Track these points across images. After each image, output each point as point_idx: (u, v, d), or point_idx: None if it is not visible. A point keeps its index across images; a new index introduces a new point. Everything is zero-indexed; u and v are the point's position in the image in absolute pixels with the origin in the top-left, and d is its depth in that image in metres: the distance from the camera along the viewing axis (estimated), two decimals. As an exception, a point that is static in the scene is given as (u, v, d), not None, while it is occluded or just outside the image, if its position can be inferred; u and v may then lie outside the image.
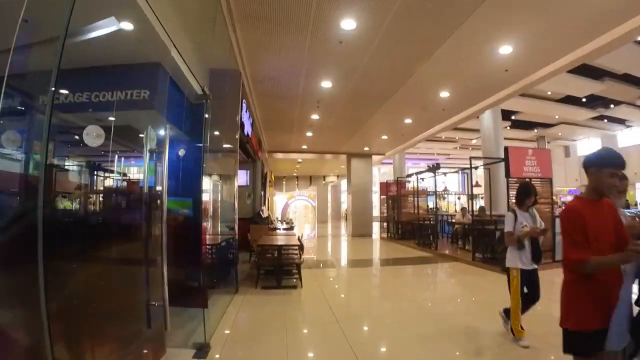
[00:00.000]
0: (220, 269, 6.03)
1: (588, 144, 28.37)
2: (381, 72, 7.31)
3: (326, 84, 7.98)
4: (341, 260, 10.08)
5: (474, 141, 28.93)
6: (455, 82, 8.14)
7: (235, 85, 6.16)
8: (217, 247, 5.95)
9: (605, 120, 24.10)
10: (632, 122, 23.91)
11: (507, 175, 7.49)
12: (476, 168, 9.76)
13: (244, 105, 6.99)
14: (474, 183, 14.49)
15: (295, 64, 6.99)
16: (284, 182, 29.10)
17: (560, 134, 25.50)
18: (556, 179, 19.18)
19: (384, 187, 15.62)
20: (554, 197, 30.24)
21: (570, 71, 14.58)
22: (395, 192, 15.51)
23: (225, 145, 6.29)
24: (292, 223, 14.84)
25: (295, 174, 27.94)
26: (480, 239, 8.78)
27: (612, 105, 20.09)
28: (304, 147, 15.56)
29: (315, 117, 10.67)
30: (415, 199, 13.67)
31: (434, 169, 12.74)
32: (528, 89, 8.48)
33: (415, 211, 14.49)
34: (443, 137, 28.81)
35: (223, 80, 6.13)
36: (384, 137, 13.58)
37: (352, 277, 7.59)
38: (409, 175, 14.50)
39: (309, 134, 12.87)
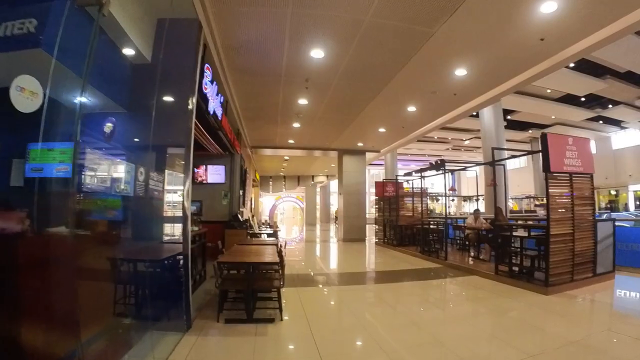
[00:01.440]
0: (163, 295, 4.29)
1: None
2: (387, 35, 5.68)
3: (317, 53, 6.30)
4: (333, 274, 8.32)
5: (466, 142, 27.98)
6: (477, 56, 6.56)
7: (192, 39, 4.46)
8: (159, 265, 4.22)
9: (601, 122, 23.53)
10: (628, 124, 23.38)
11: (547, 169, 5.90)
12: (493, 163, 8.18)
13: (208, 72, 5.27)
14: (489, 182, 13.04)
15: (277, 21, 5.31)
16: (271, 183, 27.33)
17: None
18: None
19: (380, 186, 13.99)
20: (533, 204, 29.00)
21: (573, 68, 14.01)
22: (392, 193, 13.91)
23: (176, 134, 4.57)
24: (277, 227, 13.11)
25: (282, 174, 26.19)
26: (504, 248, 7.19)
27: (610, 106, 19.57)
28: (291, 141, 13.86)
29: (303, 102, 8.99)
30: (419, 199, 12.12)
31: (438, 165, 11.19)
32: (560, 65, 6.93)
33: (415, 214, 12.93)
34: (435, 138, 28.00)
35: (177, 32, 4.44)
36: (382, 129, 11.96)
37: (349, 301, 5.82)
38: (408, 174, 12.90)
39: (296, 124, 11.19)
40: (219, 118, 6.56)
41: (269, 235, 10.13)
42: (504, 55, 6.50)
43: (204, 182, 10.35)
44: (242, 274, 4.79)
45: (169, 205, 5.82)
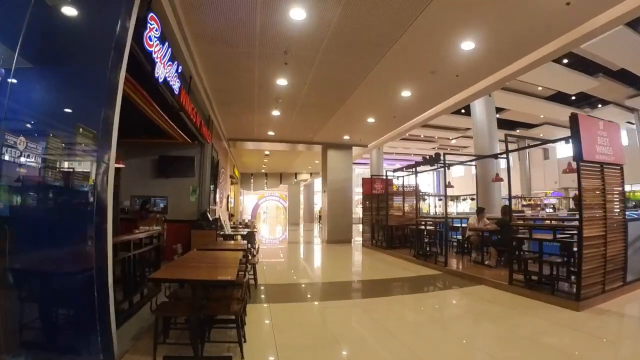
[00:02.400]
0: (63, 326, 3.00)
1: (568, 147, 27.23)
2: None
3: (297, 13, 5.08)
4: (315, 285, 6.99)
5: (453, 141, 27.26)
6: (489, 24, 5.44)
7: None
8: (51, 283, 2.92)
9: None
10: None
11: (580, 157, 4.82)
12: (506, 154, 7.13)
13: (154, 25, 3.99)
14: (494, 177, 12.08)
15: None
16: (252, 180, 25.94)
17: (541, 135, 24.80)
18: (535, 182, 16.90)
19: (368, 183, 12.87)
20: (534, 201, 28.73)
21: (566, 64, 13.40)
22: (381, 190, 12.79)
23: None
24: (254, 227, 11.82)
25: (263, 171, 24.84)
26: (516, 252, 6.11)
27: (599, 105, 19.27)
28: (271, 133, 12.59)
29: (282, 82, 7.75)
30: (411, 197, 11.04)
31: (434, 160, 10.12)
32: (586, 39, 5.88)
33: (406, 213, 11.85)
34: (422, 136, 27.14)
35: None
36: (371, 119, 10.80)
37: (334, 324, 4.46)
38: (398, 170, 11.79)
39: (276, 112, 9.93)
40: (176, 93, 5.27)
41: (243, 237, 8.85)
42: (522, 24, 5.41)
43: (169, 175, 9.02)
44: (187, 297, 3.54)
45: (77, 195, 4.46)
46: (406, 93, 8.46)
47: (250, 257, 5.65)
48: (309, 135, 12.93)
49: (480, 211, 8.89)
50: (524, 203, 27.80)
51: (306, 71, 7.16)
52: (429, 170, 9.94)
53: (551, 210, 25.92)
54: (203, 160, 9.03)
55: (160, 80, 4.56)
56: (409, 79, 7.68)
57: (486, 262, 7.83)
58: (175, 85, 5.27)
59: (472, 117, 15.01)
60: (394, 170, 12.02)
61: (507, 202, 7.42)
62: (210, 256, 4.38)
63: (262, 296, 5.58)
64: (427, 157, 10.33)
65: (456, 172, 36.90)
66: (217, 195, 9.55)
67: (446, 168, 8.89)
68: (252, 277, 6.03)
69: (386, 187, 11.84)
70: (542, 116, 20.39)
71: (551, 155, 29.74)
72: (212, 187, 9.07)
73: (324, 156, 14.57)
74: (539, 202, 29.63)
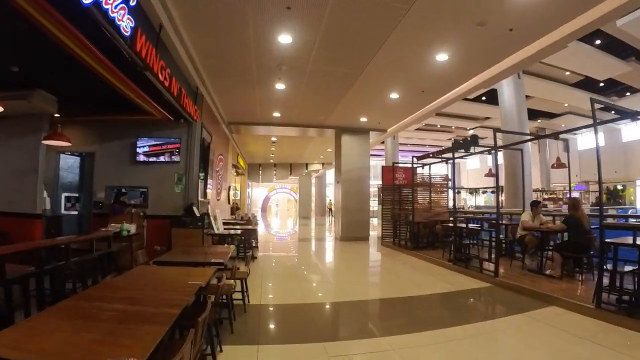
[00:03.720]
0: None
1: (589, 138, 26.36)
2: None
3: None
4: (330, 307, 5.03)
5: (470, 131, 25.22)
6: None
7: None
8: None
9: (613, 112, 21.59)
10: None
11: None
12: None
13: None
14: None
15: None
16: (260, 171, 24.36)
17: (563, 125, 23.16)
18: (555, 175, 15.72)
19: (389, 172, 11.13)
20: (557, 194, 26.58)
21: (598, 46, 11.97)
22: (403, 180, 11.05)
23: None
24: (254, 223, 10.20)
25: (272, 161, 23.22)
26: (602, 261, 4.35)
27: (627, 94, 18.15)
28: (276, 114, 10.91)
29: (285, 41, 6.05)
30: (441, 189, 9.32)
31: (469, 143, 8.39)
32: None
33: (434, 207, 10.12)
34: (438, 126, 25.35)
35: None
36: (394, 95, 9.02)
37: None
38: (424, 157, 10.02)
39: (280, 85, 8.24)
40: (125, 34, 3.63)
41: (237, 237, 7.24)
42: None
43: (149, 160, 7.46)
44: None
45: None
46: (442, 56, 6.67)
47: (237, 269, 4.03)
48: (320, 117, 11.21)
49: (535, 205, 7.10)
50: (545, 197, 26.11)
51: (314, 24, 5.44)
52: (467, 155, 8.16)
53: None
54: (190, 142, 7.42)
55: (87, 2, 2.92)
56: (448, 35, 5.89)
57: (547, 272, 6.06)
58: (126, 24, 3.62)
59: (499, 102, 13.40)
60: (420, 158, 10.25)
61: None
62: (158, 277, 2.76)
63: (251, 326, 3.95)
64: (462, 139, 8.57)
65: (471, 164, 35.06)
66: (210, 185, 7.96)
67: (496, 152, 7.07)
68: (240, 292, 4.42)
69: (412, 177, 10.08)
70: (566, 104, 19.16)
71: (572, 148, 27.92)
72: (202, 175, 7.47)
73: (337, 142, 12.87)
74: (561, 196, 27.69)
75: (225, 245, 4.55)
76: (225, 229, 8.00)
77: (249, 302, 4.69)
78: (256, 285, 5.68)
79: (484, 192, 31.23)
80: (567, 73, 14.89)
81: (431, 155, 9.94)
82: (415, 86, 8.44)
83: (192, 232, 6.42)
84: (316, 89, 8.57)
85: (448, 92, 8.96)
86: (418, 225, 9.51)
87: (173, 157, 7.40)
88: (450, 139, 29.35)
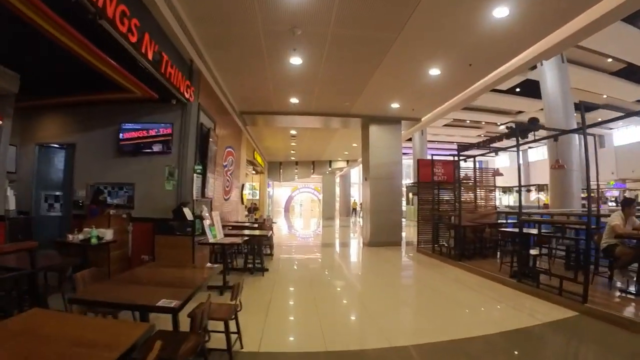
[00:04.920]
0: None
1: (627, 133, 24.90)
2: None
3: None
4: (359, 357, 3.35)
5: (501, 127, 23.77)
6: None
7: None
8: None
9: None
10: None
11: None
12: None
13: None
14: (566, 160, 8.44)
15: None
16: (281, 170, 22.99)
17: (599, 119, 20.94)
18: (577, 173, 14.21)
19: (426, 167, 9.43)
20: (595, 193, 24.15)
21: None
22: (443, 176, 9.35)
23: None
24: (269, 224, 8.74)
25: (293, 158, 21.77)
26: None
27: None
28: (294, 101, 9.42)
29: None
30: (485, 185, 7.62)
31: (530, 127, 6.68)
32: None
33: (479, 208, 8.40)
34: (467, 121, 23.82)
35: None
36: (434, 70, 7.34)
37: None
38: (468, 147, 8.32)
39: (295, 60, 6.74)
40: None
41: (242, 246, 5.78)
42: None
43: (136, 151, 6.13)
44: None
45: None
46: (501, 11, 5.00)
47: (221, 305, 2.54)
48: (345, 104, 9.64)
49: (627, 204, 5.32)
50: (583, 195, 23.88)
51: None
52: (532, 142, 6.43)
53: (613, 204, 21.70)
54: (185, 128, 6.03)
55: None
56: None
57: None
58: None
59: (541, 89, 12.40)
60: (464, 148, 8.52)
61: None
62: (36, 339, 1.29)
63: None
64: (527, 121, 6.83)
65: (500, 162, 32.86)
66: (210, 181, 6.54)
67: (585, 134, 5.33)
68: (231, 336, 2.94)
69: (457, 172, 8.37)
70: (604, 96, 17.48)
71: (607, 144, 26.21)
72: (199, 168, 6.06)
73: (364, 134, 11.28)
74: (599, 195, 25.31)
75: (209, 264, 3.09)
76: (231, 235, 6.57)
77: (241, 347, 3.21)
78: (258, 316, 4.19)
79: (528, 190, 28.73)
80: (609, 60, 13.72)
81: (476, 145, 8.20)
82: (462, 57, 6.74)
83: (180, 241, 5.03)
84: (339, 64, 7.01)
85: (500, 65, 7.21)
86: (464, 229, 7.79)
87: (164, 146, 6.04)
88: (479, 135, 27.37)
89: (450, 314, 4.64)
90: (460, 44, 6.17)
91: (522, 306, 4.82)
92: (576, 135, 13.66)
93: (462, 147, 8.62)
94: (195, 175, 6.00)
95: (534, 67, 15.52)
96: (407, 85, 8.22)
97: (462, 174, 9.00)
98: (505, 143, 8.33)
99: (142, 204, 6.11)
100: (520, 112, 21.29)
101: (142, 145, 6.12)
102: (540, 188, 23.28)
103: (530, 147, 32.81)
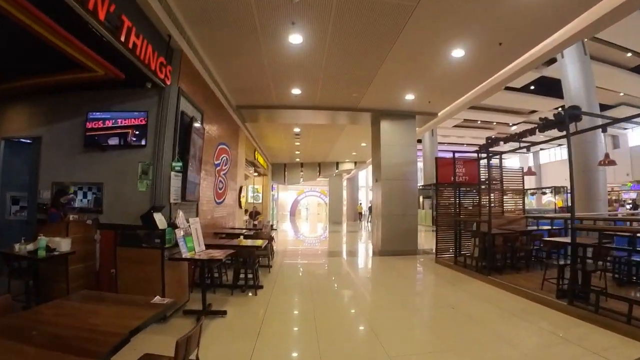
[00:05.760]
0: None
1: None
2: None
3: None
4: None
5: (513, 127, 22.92)
6: None
7: None
8: None
9: None
10: None
11: None
12: None
13: None
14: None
15: None
16: (285, 172, 21.95)
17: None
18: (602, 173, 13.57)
19: (447, 166, 8.34)
20: (610, 196, 22.67)
21: None
22: (464, 176, 8.26)
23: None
24: (267, 232, 7.73)
25: (297, 160, 20.72)
26: None
27: None
28: (296, 92, 8.40)
29: None
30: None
31: (569, 118, 5.62)
32: None
33: (506, 212, 7.34)
34: (478, 122, 22.89)
35: None
36: (458, 51, 6.27)
37: None
38: (492, 141, 7.24)
39: (295, 39, 5.72)
40: None
41: (227, 261, 4.74)
42: None
43: (105, 146, 5.15)
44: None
45: None
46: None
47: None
48: (353, 95, 8.59)
49: None
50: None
51: None
52: (580, 133, 5.32)
53: (630, 207, 20.50)
54: (161, 117, 5.03)
55: None
56: None
57: None
58: None
59: (563, 85, 11.87)
60: (490, 144, 7.42)
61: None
62: None
63: None
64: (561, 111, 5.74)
65: (510, 163, 31.53)
66: (193, 181, 5.50)
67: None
68: None
69: (488, 171, 7.26)
70: (621, 94, 17.09)
71: (622, 144, 25.46)
72: (178, 165, 5.04)
73: (375, 131, 10.23)
74: (616, 198, 24.08)
75: (157, 299, 2.10)
76: (219, 245, 5.54)
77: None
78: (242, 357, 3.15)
79: (543, 193, 27.37)
80: (628, 55, 13.00)
81: (503, 141, 7.11)
82: (491, 34, 5.67)
83: (147, 255, 4.01)
84: (347, 46, 5.98)
85: (535, 45, 6.15)
86: (493, 237, 6.66)
87: (136, 139, 5.04)
88: (490, 136, 26.15)
89: (491, 351, 3.54)
90: (491, 17, 5.11)
91: (583, 339, 3.71)
92: (601, 135, 12.73)
93: (488, 143, 7.53)
94: (173, 173, 4.98)
95: (551, 62, 14.62)
96: (424, 71, 7.15)
97: (484, 175, 7.90)
98: (529, 139, 7.23)
99: (112, 207, 5.11)
100: (533, 111, 20.63)
101: (112, 138, 5.12)
102: (557, 191, 22.10)
103: (541, 149, 31.67)
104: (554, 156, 31.70)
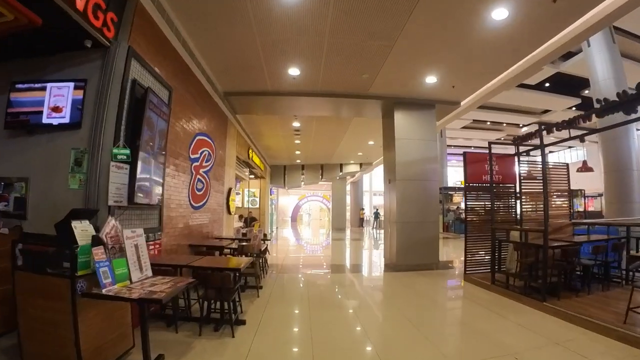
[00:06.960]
0: None
1: None
2: None
3: None
4: None
5: (524, 128, 22.17)
6: None
7: None
8: None
9: None
10: None
11: None
12: None
13: None
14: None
15: None
16: (285, 175, 20.44)
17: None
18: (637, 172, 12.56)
19: (478, 163, 6.85)
20: None
21: None
22: (499, 176, 6.78)
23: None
24: (256, 245, 6.25)
25: (298, 161, 19.21)
26: None
27: None
28: (294, 73, 6.93)
29: None
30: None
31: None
32: None
33: (560, 219, 5.86)
34: (488, 123, 22.48)
35: None
36: (500, 12, 4.81)
37: None
38: (531, 135, 5.79)
39: (290, -14, 4.28)
40: None
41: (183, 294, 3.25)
42: None
43: (31, 125, 3.71)
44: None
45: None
46: None
47: None
48: (363, 76, 7.11)
49: None
50: None
51: None
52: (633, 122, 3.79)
53: None
54: (102, 85, 3.58)
55: None
56: None
57: None
58: None
59: (590, 75, 11.30)
60: (527, 136, 5.94)
61: None
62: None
63: None
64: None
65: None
66: (150, 175, 4.01)
67: None
68: None
69: (544, 171, 5.73)
70: None
71: None
72: (123, 154, 3.57)
73: (387, 123, 8.78)
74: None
75: None
76: (183, 265, 4.05)
77: None
78: None
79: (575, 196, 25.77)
80: None
81: (544, 129, 5.62)
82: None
83: (52, 287, 2.52)
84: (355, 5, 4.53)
85: (595, 5, 4.74)
86: (551, 251, 5.12)
87: (71, 119, 3.59)
88: (499, 138, 24.90)
89: None
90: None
91: None
92: (635, 133, 11.33)
93: (521, 137, 6.08)
94: (114, 164, 3.50)
95: (569, 57, 13.45)
96: (453, 42, 5.68)
97: (524, 172, 6.39)
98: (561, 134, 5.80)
99: (40, 211, 3.65)
100: (546, 111, 19.74)
101: (41, 116, 3.67)
102: (575, 194, 20.56)
103: (551, 152, 30.14)
104: (563, 159, 30.15)
